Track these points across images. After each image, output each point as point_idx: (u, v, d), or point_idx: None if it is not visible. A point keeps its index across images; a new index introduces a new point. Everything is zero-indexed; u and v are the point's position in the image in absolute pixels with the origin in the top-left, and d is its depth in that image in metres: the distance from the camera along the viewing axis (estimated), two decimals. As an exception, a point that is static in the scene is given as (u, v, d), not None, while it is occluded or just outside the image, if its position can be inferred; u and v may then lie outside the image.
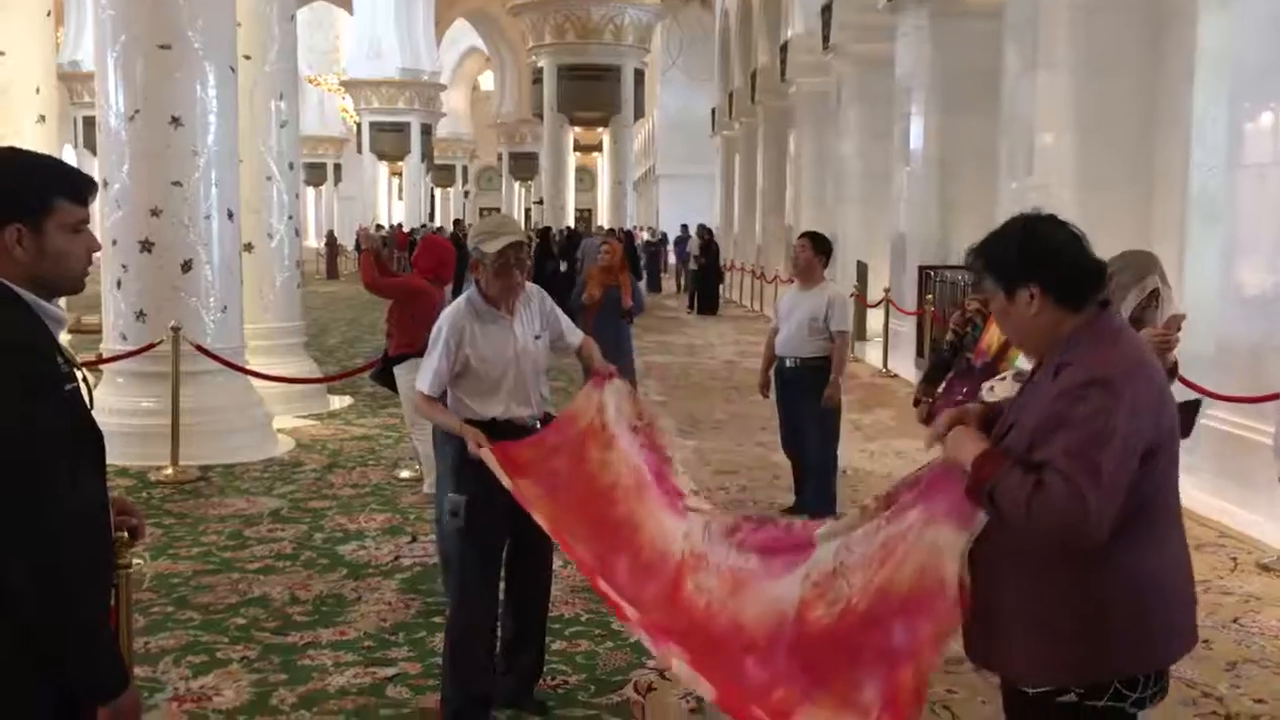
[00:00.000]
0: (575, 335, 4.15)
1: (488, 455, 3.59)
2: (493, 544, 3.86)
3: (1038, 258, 2.31)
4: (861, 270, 15.28)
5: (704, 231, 24.35)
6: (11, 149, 2.23)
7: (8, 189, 2.08)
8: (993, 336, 5.17)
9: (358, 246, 11.86)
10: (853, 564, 2.63)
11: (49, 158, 2.23)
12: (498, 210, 49.64)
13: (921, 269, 12.77)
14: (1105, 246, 2.57)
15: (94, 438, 2.19)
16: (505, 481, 3.55)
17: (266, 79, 10.08)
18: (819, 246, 6.59)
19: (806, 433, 6.52)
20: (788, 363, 6.53)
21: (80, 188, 2.16)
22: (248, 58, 9.48)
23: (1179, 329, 3.97)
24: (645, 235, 26.83)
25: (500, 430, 3.77)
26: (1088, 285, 2.32)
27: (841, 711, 2.54)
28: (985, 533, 2.35)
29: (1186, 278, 7.74)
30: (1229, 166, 7.31)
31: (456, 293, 4.72)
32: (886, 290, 13.52)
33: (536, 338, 3.97)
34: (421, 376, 3.88)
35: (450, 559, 4.12)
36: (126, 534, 2.44)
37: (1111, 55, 9.34)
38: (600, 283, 9.00)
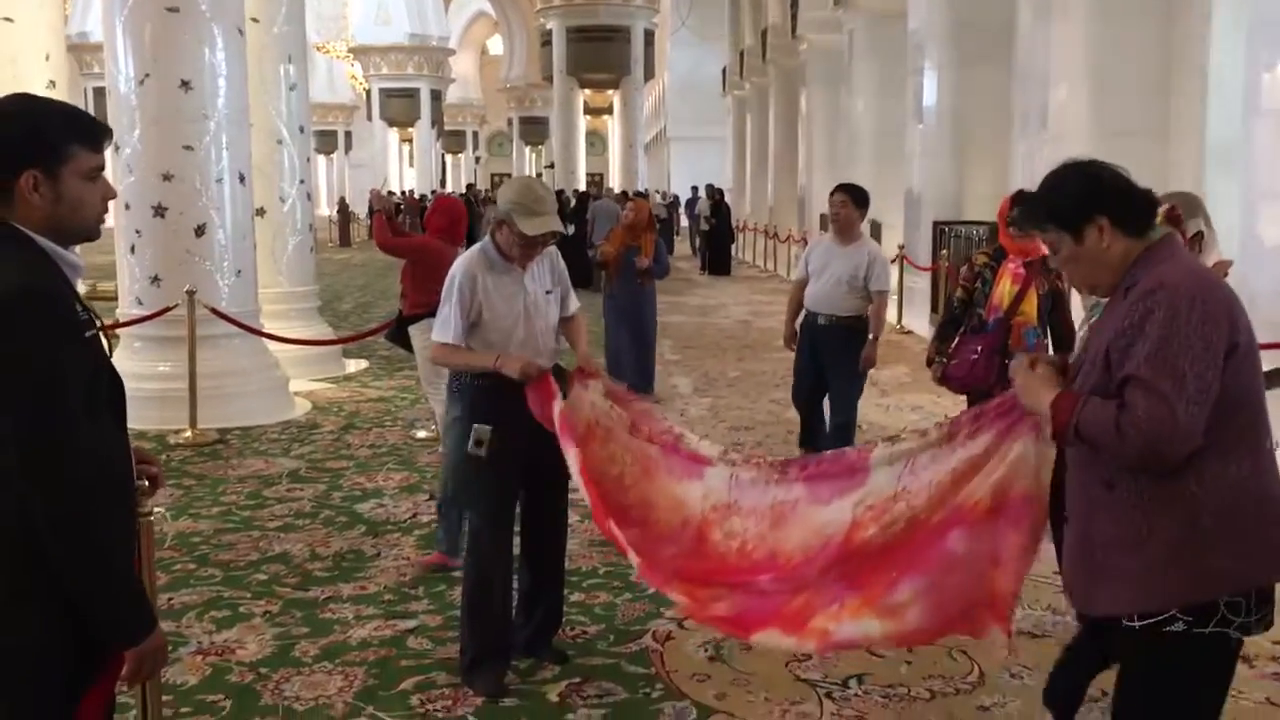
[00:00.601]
0: (572, 305, 4.09)
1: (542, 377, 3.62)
2: (508, 492, 3.87)
3: (1099, 192, 2.41)
4: (875, 228, 15.18)
5: (714, 192, 24.17)
6: (26, 95, 2.23)
7: (24, 135, 2.08)
8: (1004, 291, 5.15)
9: (371, 211, 11.83)
10: (917, 487, 2.69)
11: (64, 104, 2.22)
12: (508, 176, 49.74)
13: (936, 224, 12.70)
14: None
15: (115, 386, 2.20)
16: (557, 404, 3.54)
17: (275, 42, 10.04)
18: (859, 200, 6.26)
19: (836, 390, 6.38)
20: (820, 319, 6.29)
21: (96, 134, 2.16)
22: (255, 21, 9.44)
23: (1225, 275, 3.94)
24: (657, 199, 26.51)
25: (510, 386, 3.74)
26: (1146, 211, 2.41)
27: (862, 611, 2.60)
28: (1075, 468, 2.41)
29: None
30: (1246, 114, 7.23)
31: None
32: (901, 247, 13.46)
33: (548, 292, 3.93)
34: (439, 328, 3.85)
35: (461, 511, 4.10)
36: (146, 483, 2.46)
37: (1126, 4, 9.23)
38: (621, 241, 8.83)
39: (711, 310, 16.04)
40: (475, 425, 3.78)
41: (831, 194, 6.39)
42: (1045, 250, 4.94)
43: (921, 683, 3.86)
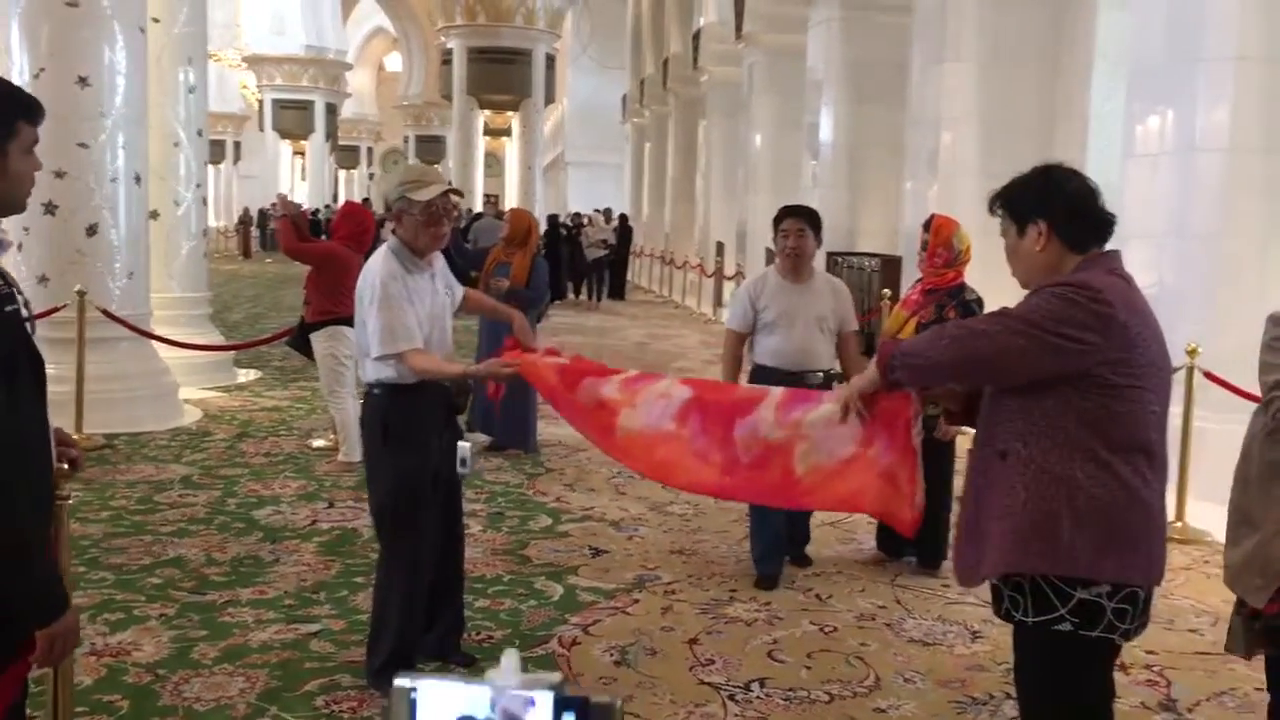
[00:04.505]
0: (458, 289, 4.04)
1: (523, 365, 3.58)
2: (422, 499, 3.82)
3: (1049, 198, 2.57)
4: (770, 257, 15.52)
5: (617, 217, 24.20)
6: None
7: None
8: (894, 320, 5.36)
9: (256, 222, 11.61)
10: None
11: (3, 80, 2.22)
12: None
13: (830, 255, 13.04)
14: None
15: (35, 362, 2.18)
16: (552, 377, 3.51)
17: (175, 43, 9.86)
18: (816, 226, 5.12)
19: None
20: (809, 379, 4.89)
21: (35, 109, 2.17)
22: (156, 20, 9.26)
23: None
24: (601, 222, 24.63)
25: (420, 391, 3.72)
26: (1091, 229, 2.58)
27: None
28: (975, 447, 2.65)
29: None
30: (1123, 157, 7.65)
31: None
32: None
33: (448, 291, 3.92)
34: (390, 338, 3.62)
35: (394, 518, 3.94)
36: (66, 465, 2.43)
37: (1015, 50, 9.69)
38: (494, 258, 7.65)
39: (610, 331, 16.15)
40: (460, 444, 3.76)
41: (779, 219, 5.09)
42: (956, 282, 5.19)
43: (821, 686, 3.98)
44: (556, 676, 1.08)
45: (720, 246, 19.10)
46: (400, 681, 1.04)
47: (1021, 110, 9.65)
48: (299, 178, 41.59)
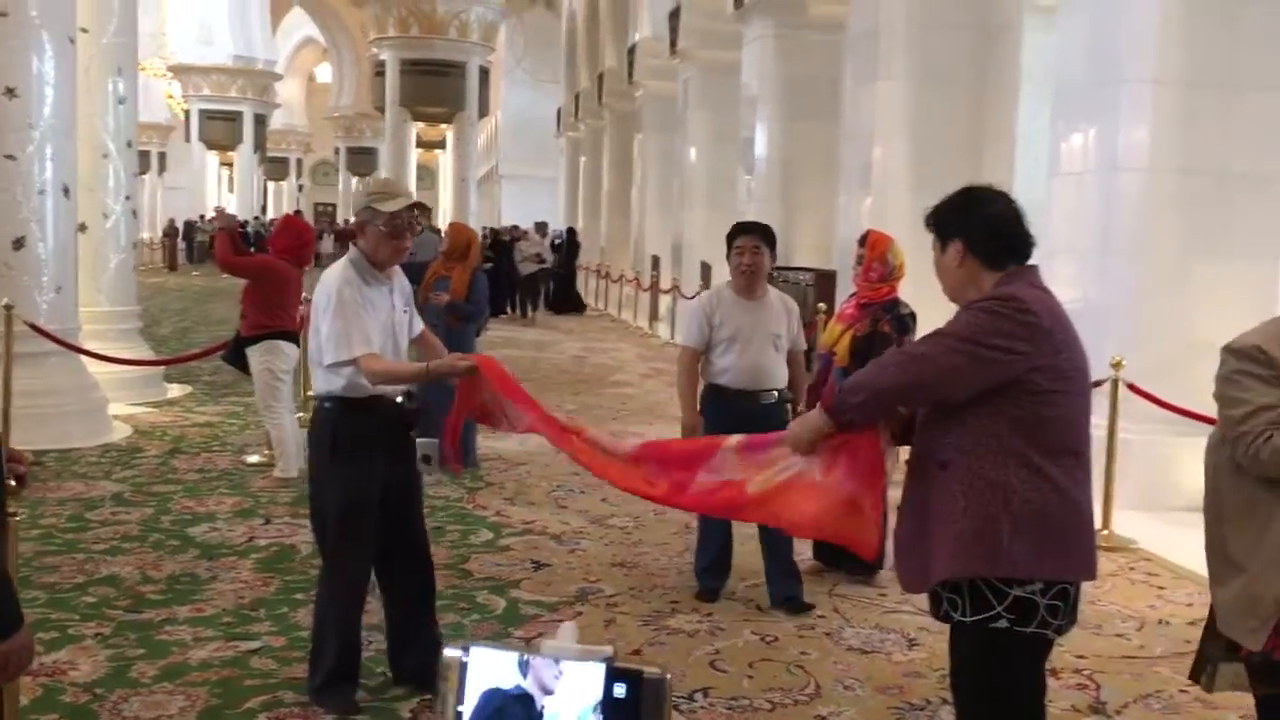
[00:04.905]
0: (418, 325, 4.03)
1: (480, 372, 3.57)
2: (366, 512, 3.78)
3: (967, 218, 2.71)
4: (706, 270, 15.67)
5: (564, 230, 23.97)
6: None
7: None
8: (829, 334, 5.47)
9: (181, 234, 11.45)
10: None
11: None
12: (333, 206, 48.70)
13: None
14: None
15: None
16: (508, 375, 3.56)
17: (105, 53, 9.71)
18: (771, 241, 5.06)
19: None
20: (764, 398, 4.92)
21: None
22: (85, 31, 9.11)
23: None
24: (536, 238, 23.76)
25: (370, 408, 3.71)
26: (1007, 249, 2.70)
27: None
28: (916, 457, 2.73)
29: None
30: (1049, 175, 7.86)
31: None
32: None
33: (405, 310, 3.91)
34: (344, 345, 3.60)
35: (336, 533, 3.92)
36: (14, 481, 2.41)
37: (945, 70, 9.92)
38: (434, 272, 7.56)
39: (547, 345, 16.16)
40: (420, 441, 3.74)
41: (733, 236, 5.07)
42: (891, 296, 5.31)
43: (762, 695, 4.04)
44: (609, 649, 1.11)
45: (656, 260, 19.20)
46: (450, 650, 1.07)
47: (952, 128, 9.87)
48: (226, 189, 40.94)
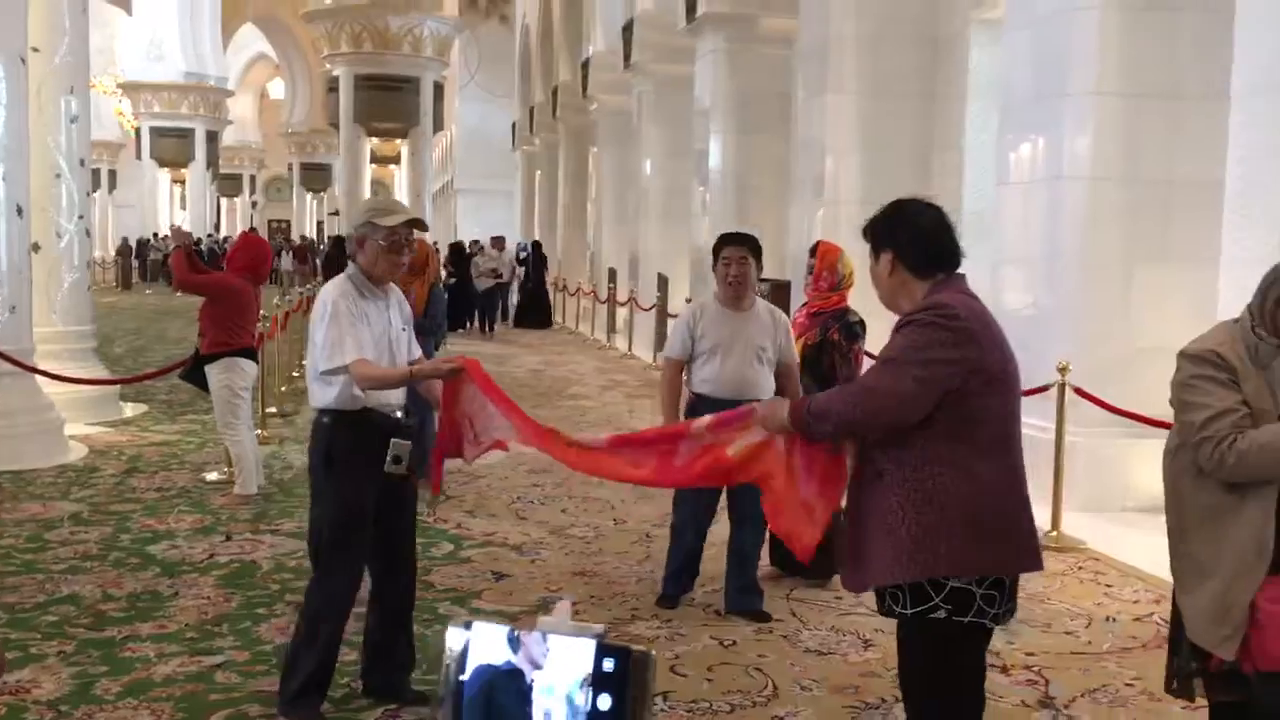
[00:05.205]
0: (416, 348, 4.05)
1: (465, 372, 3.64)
2: (356, 523, 3.81)
3: (895, 229, 2.85)
4: (663, 281, 15.79)
5: (530, 244, 23.95)
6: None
7: None
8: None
9: (136, 253, 11.36)
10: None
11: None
12: (287, 222, 48.41)
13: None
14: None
15: None
16: (488, 376, 3.63)
17: (56, 72, 9.65)
18: (757, 252, 5.04)
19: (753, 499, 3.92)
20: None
21: None
22: (36, 50, 9.07)
23: None
24: (494, 254, 23.54)
25: (366, 421, 3.75)
26: (934, 259, 2.82)
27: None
28: (858, 468, 2.85)
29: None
30: (997, 185, 8.05)
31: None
32: (689, 300, 13.99)
33: (404, 329, 3.95)
34: (336, 352, 3.64)
35: (331, 545, 3.85)
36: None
37: (894, 82, 10.10)
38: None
39: (506, 359, 16.18)
40: (393, 440, 3.77)
41: (719, 247, 5.06)
42: (840, 305, 5.42)
43: (722, 697, 4.13)
44: (600, 627, 1.21)
45: (613, 273, 19.29)
46: (453, 628, 1.15)
47: (902, 140, 10.06)
48: (179, 206, 40.58)
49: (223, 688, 4.11)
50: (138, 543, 6.01)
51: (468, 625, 1.25)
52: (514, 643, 1.30)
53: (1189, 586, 2.61)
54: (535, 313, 22.04)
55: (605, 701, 1.30)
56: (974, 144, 9.60)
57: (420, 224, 3.97)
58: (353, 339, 3.67)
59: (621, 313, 18.03)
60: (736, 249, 4.99)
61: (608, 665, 1.30)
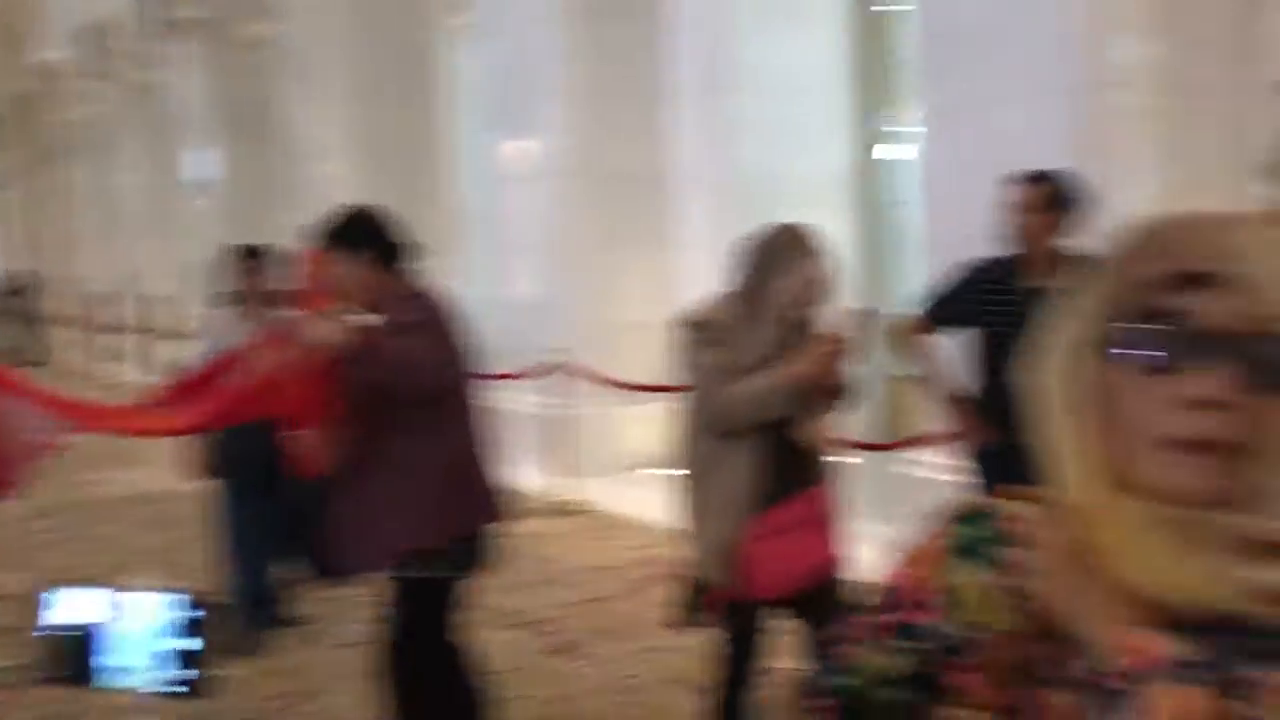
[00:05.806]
0: None
1: None
2: None
3: (359, 234, 3.06)
4: (156, 300, 14.83)
5: (22, 274, 21.33)
6: None
7: None
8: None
9: None
10: None
11: None
12: None
13: (222, 295, 12.72)
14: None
15: None
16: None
17: None
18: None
19: None
20: None
21: None
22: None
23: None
24: None
25: None
26: (399, 255, 3.07)
27: None
28: (356, 449, 2.98)
29: (466, 284, 8.76)
30: (487, 182, 8.47)
31: None
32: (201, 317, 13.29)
33: None
34: None
35: None
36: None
37: (379, 85, 10.13)
38: None
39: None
40: None
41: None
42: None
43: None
44: (187, 585, 1.42)
45: (109, 296, 17.73)
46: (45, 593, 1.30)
47: (391, 141, 10.07)
48: None
49: None
50: None
51: (53, 591, 1.53)
52: (102, 601, 1.62)
53: (696, 529, 2.94)
54: (31, 347, 19.78)
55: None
56: (469, 144, 9.88)
57: None
58: None
59: (127, 338, 16.63)
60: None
61: (185, 612, 1.54)
